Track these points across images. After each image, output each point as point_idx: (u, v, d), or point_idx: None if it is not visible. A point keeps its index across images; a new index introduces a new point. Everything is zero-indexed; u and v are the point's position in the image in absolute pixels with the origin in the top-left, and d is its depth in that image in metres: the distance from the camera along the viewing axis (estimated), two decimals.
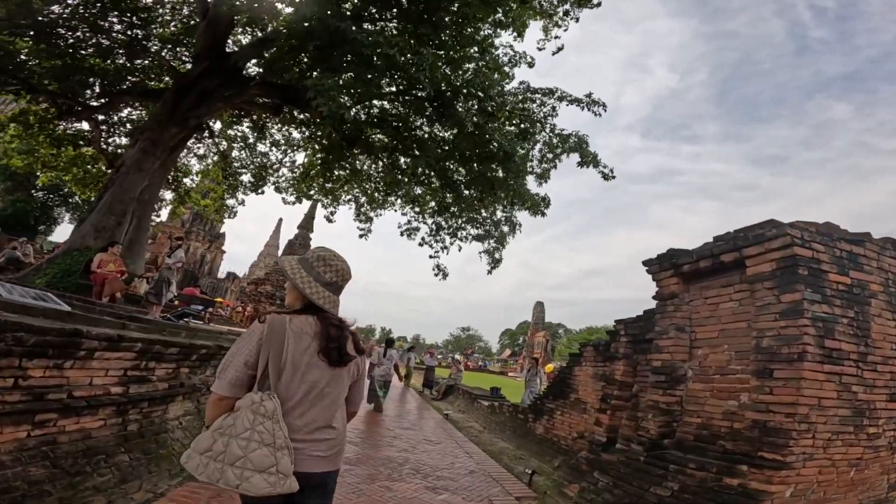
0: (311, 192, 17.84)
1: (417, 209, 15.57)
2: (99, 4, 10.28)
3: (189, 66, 11.90)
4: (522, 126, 11.42)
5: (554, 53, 12.88)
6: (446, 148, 11.98)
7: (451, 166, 12.48)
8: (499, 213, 13.63)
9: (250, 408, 1.50)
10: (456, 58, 10.57)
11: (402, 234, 15.24)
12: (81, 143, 14.16)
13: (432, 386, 17.94)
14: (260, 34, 11.96)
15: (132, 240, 11.59)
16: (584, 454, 5.49)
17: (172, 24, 12.47)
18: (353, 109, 10.86)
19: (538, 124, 11.77)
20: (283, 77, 11.40)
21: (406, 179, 13.59)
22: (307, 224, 37.97)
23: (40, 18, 9.31)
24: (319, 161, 14.89)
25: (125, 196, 10.86)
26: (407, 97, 11.61)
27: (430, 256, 13.91)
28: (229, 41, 11.86)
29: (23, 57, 10.49)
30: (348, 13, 9.71)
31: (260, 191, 17.05)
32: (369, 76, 9.13)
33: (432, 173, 12.55)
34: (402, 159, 13.41)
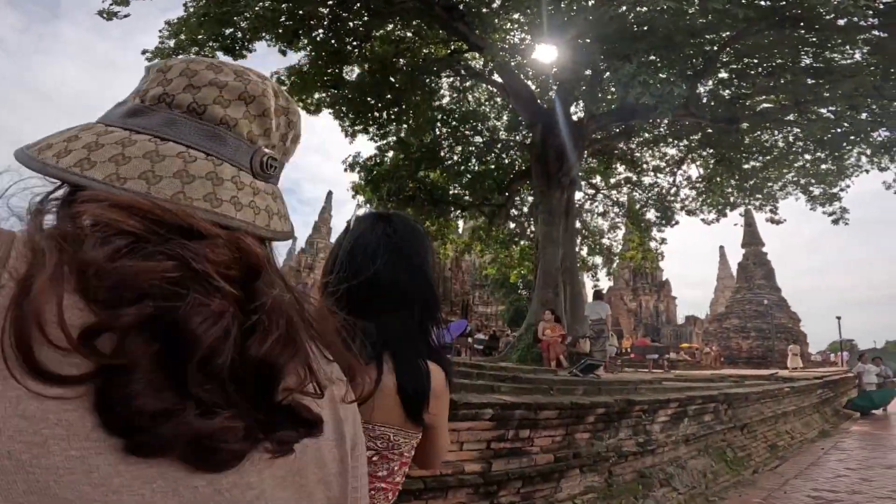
0: (731, 199, 15.06)
1: None
2: (449, 125, 13.21)
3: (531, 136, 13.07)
4: None
5: None
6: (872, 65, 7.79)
7: None
8: None
9: None
10: None
11: None
12: (517, 238, 17.66)
13: None
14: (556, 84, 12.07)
15: (572, 305, 12.79)
16: None
17: (504, 113, 14.37)
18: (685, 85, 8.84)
19: None
20: (606, 100, 10.86)
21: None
22: (752, 238, 32.38)
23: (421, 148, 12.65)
24: (713, 162, 12.52)
25: (550, 268, 12.30)
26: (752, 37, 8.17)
27: None
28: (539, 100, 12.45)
29: (440, 183, 14.23)
30: None
31: (673, 222, 15.74)
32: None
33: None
34: (819, 109, 9.55)
